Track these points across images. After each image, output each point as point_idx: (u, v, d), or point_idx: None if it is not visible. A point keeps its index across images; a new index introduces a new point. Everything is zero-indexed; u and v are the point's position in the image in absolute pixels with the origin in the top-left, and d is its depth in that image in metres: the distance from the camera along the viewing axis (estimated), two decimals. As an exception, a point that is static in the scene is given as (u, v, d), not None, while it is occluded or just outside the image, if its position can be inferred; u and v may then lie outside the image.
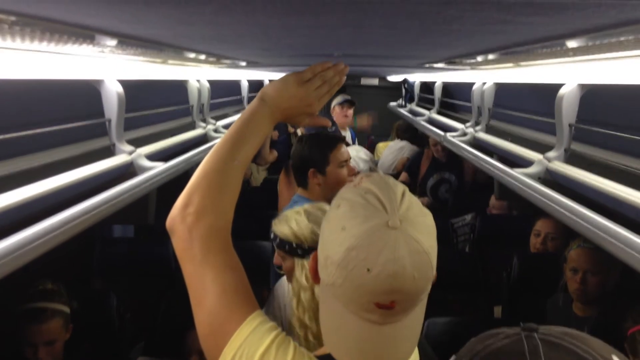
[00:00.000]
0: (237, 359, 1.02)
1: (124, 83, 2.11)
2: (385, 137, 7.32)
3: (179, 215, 1.13)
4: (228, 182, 1.16)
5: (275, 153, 4.43)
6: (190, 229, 1.11)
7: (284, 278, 2.07)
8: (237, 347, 1.03)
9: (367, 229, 0.96)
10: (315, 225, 1.71)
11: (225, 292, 1.08)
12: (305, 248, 1.70)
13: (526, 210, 3.17)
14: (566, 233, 2.91)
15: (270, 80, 6.03)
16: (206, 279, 1.09)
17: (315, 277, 1.09)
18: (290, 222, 1.76)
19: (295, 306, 1.64)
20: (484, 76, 3.24)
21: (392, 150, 5.81)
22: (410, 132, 5.87)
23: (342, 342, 1.04)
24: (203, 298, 1.08)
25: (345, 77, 1.33)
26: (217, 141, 3.12)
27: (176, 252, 1.14)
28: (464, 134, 3.53)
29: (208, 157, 1.18)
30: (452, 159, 4.75)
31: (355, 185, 1.07)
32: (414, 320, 1.03)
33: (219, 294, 1.07)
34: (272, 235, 1.81)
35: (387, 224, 0.96)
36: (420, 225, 0.99)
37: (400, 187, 1.04)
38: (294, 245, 1.73)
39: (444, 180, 4.72)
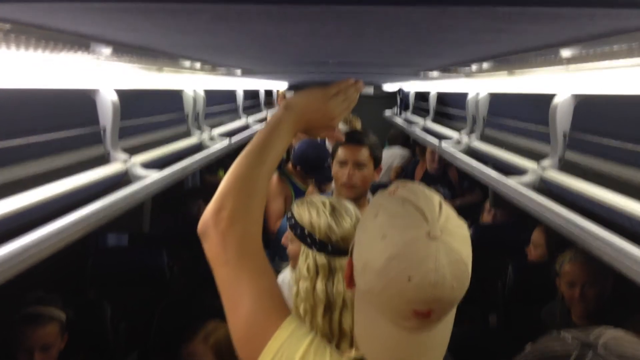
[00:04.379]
0: None
1: (119, 91, 2.11)
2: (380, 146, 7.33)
3: (211, 220, 1.14)
4: (258, 188, 1.18)
5: None
6: (224, 234, 1.12)
7: (285, 272, 2.08)
8: (276, 350, 1.04)
9: (408, 238, 0.98)
10: (334, 222, 1.70)
11: (261, 296, 1.09)
12: (315, 239, 1.69)
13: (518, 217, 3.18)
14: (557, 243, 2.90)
15: (265, 91, 6.07)
16: (242, 284, 1.09)
17: (349, 283, 1.11)
18: (312, 209, 1.75)
19: (294, 295, 1.64)
20: (479, 85, 3.25)
21: (384, 157, 5.82)
22: (402, 138, 5.89)
23: (377, 347, 1.06)
24: (239, 302, 1.09)
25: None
26: (212, 149, 3.13)
27: (208, 256, 1.14)
28: (459, 142, 3.54)
29: (237, 163, 1.20)
30: (444, 172, 4.76)
31: (390, 193, 1.08)
32: (446, 327, 1.06)
33: (255, 298, 1.08)
34: (289, 214, 1.81)
35: (429, 234, 0.98)
36: (458, 235, 1.01)
37: (436, 198, 1.06)
38: (306, 232, 1.71)
39: (436, 194, 4.71)
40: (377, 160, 2.56)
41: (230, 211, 1.13)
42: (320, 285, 1.62)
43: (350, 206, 1.78)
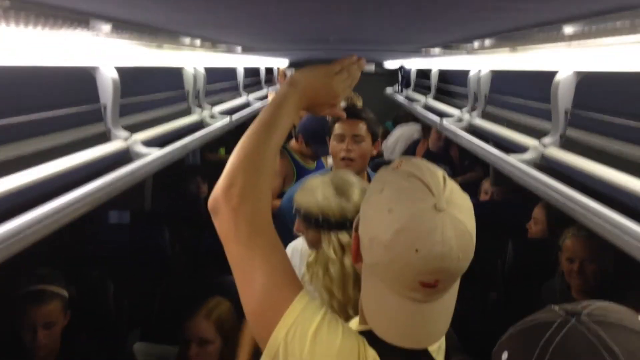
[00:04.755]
0: (290, 335, 1.05)
1: (119, 69, 2.10)
2: (381, 123, 7.32)
3: (222, 197, 1.14)
4: (266, 164, 1.18)
5: None
6: (236, 210, 1.12)
7: (296, 242, 2.09)
8: (290, 324, 1.05)
9: (415, 211, 1.00)
10: (344, 198, 1.70)
11: (275, 271, 1.10)
12: (331, 222, 1.69)
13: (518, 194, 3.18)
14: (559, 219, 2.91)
15: (266, 69, 6.04)
16: (254, 259, 1.10)
17: (356, 258, 1.13)
18: (317, 193, 1.74)
19: (322, 276, 1.66)
20: (481, 62, 3.23)
21: (397, 134, 5.75)
22: (410, 116, 5.85)
23: (385, 319, 1.08)
24: (252, 278, 1.10)
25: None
26: (212, 127, 3.12)
27: (219, 232, 1.15)
28: (460, 120, 3.53)
29: (245, 140, 1.20)
30: (446, 151, 4.75)
31: (394, 168, 1.10)
32: (451, 297, 1.09)
33: (268, 273, 1.09)
34: (294, 206, 1.81)
35: (435, 207, 1.00)
36: (463, 207, 1.03)
37: (440, 172, 1.08)
38: (321, 220, 1.70)
39: None
40: (374, 135, 2.56)
41: (240, 188, 1.13)
42: (347, 260, 1.64)
43: (351, 176, 1.79)
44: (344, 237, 1.67)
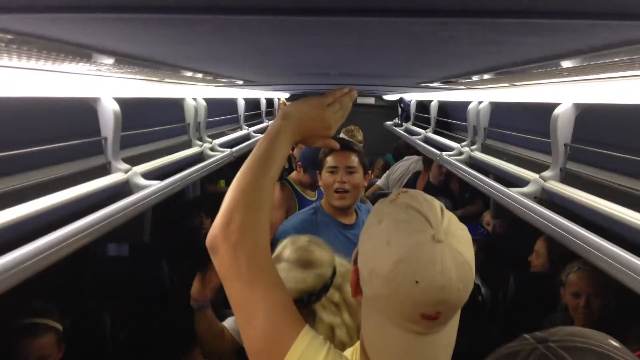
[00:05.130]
0: None
1: (120, 101, 2.12)
2: (381, 155, 7.34)
3: (221, 234, 1.14)
4: (264, 199, 1.18)
5: None
6: (235, 247, 1.12)
7: None
8: None
9: (414, 242, 0.99)
10: (313, 269, 1.68)
11: (276, 308, 1.09)
12: (315, 293, 1.66)
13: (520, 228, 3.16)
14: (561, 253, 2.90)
15: (267, 99, 6.09)
16: (255, 297, 1.09)
17: (356, 291, 1.12)
18: (289, 283, 1.54)
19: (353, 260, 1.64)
20: (480, 95, 3.26)
21: (405, 164, 5.71)
22: (413, 148, 5.83)
23: (385, 352, 1.07)
24: (253, 316, 1.09)
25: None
26: (213, 159, 3.12)
27: (219, 270, 1.14)
28: (460, 153, 3.54)
29: (241, 176, 1.20)
30: (446, 183, 4.75)
31: (391, 200, 1.09)
32: (452, 329, 1.07)
33: (270, 310, 1.09)
34: None
35: (434, 238, 0.99)
36: (461, 238, 1.03)
37: (437, 202, 1.08)
38: (304, 299, 1.64)
39: None
40: (365, 167, 2.57)
41: (239, 224, 1.13)
42: (346, 315, 1.64)
43: (305, 242, 1.78)
44: (334, 296, 1.66)
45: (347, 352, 1.20)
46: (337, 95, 1.33)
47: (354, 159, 2.52)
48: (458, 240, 1.01)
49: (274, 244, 2.36)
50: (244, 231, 1.13)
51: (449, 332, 1.07)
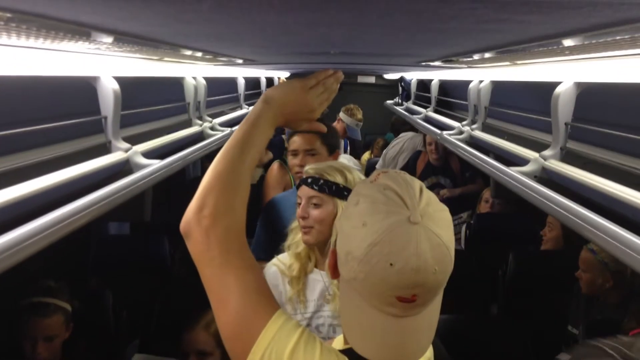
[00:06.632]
0: (266, 357, 1.03)
1: (120, 80, 2.11)
2: (382, 135, 7.33)
3: (194, 219, 1.13)
4: (240, 184, 1.17)
5: (270, 154, 4.44)
6: (208, 232, 1.11)
7: (277, 261, 2.08)
8: (266, 345, 1.04)
9: (389, 224, 0.98)
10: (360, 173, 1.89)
11: (248, 292, 1.09)
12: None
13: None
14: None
15: (267, 78, 6.06)
16: (228, 281, 1.09)
17: (334, 273, 1.11)
18: (338, 169, 1.93)
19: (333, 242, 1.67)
20: (481, 74, 3.24)
21: (399, 141, 5.67)
22: (409, 124, 5.81)
23: (364, 336, 1.06)
24: (226, 300, 1.09)
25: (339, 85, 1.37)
26: (213, 139, 3.12)
27: (192, 255, 1.14)
28: (460, 133, 3.54)
29: (218, 160, 1.19)
30: (446, 163, 4.74)
31: (372, 181, 1.09)
32: (432, 312, 1.06)
33: (242, 294, 1.08)
34: (309, 179, 1.91)
35: (409, 219, 0.99)
36: (439, 219, 1.02)
37: (417, 183, 1.07)
38: (341, 186, 1.86)
39: (438, 184, 4.70)
40: (331, 147, 2.54)
41: (212, 209, 1.12)
42: None
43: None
44: None
45: None
46: (320, 77, 1.31)
47: (315, 141, 2.49)
48: (435, 223, 1.00)
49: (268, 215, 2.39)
50: (216, 216, 1.12)
51: (429, 315, 1.05)
